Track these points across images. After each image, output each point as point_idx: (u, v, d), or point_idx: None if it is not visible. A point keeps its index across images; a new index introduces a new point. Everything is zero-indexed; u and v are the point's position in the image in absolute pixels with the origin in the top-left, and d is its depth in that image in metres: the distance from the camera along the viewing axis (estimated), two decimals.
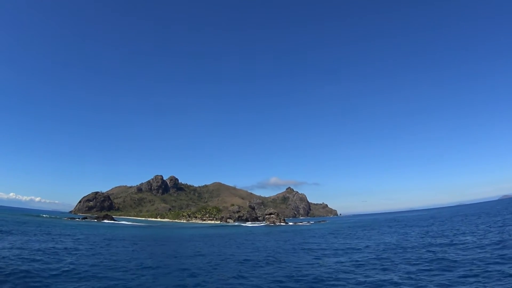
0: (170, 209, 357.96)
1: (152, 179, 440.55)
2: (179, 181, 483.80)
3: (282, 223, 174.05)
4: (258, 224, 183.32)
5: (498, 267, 22.54)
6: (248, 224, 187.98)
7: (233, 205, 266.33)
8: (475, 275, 21.02)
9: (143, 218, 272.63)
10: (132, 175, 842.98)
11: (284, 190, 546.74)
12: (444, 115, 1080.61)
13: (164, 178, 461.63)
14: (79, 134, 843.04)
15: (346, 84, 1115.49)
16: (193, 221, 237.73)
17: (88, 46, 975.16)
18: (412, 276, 22.12)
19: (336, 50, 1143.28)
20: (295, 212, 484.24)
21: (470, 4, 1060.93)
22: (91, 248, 39.47)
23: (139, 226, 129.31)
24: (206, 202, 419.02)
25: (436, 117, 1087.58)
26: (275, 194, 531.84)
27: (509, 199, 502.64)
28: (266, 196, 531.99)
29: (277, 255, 36.16)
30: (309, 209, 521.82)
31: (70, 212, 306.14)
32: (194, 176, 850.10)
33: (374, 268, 25.66)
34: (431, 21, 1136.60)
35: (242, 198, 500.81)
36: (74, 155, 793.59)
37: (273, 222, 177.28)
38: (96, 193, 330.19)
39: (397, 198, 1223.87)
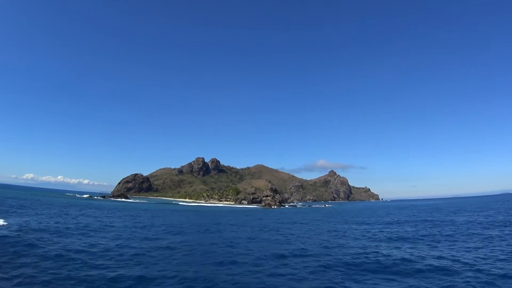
0: (207, 190, 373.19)
1: (194, 161, 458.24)
2: (221, 163, 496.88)
3: (275, 206, 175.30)
4: (256, 206, 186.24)
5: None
6: (253, 206, 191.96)
7: (252, 187, 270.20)
8: None
9: (171, 199, 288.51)
10: (180, 158, 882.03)
11: (327, 173, 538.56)
12: (503, 100, 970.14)
13: (207, 161, 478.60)
14: (130, 118, 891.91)
15: (397, 61, 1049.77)
16: (211, 201, 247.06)
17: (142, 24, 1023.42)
18: None
19: (389, 20, 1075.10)
20: (335, 196, 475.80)
21: None
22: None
23: (136, 203, 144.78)
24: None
25: (493, 102, 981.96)
26: (317, 177, 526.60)
27: None
28: (310, 179, 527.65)
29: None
30: (350, 193, 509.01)
31: (111, 193, 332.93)
32: (241, 159, 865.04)
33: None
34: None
35: (284, 181, 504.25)
36: (124, 139, 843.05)
37: (268, 205, 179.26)
38: (135, 174, 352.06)
39: (447, 185, 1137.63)
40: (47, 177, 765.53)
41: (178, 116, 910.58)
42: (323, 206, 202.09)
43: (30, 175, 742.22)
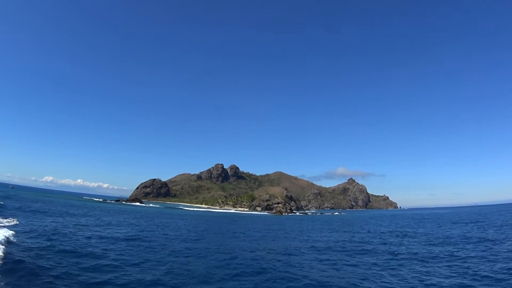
0: (226, 196, 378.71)
1: (213, 167, 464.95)
2: (240, 169, 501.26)
3: (285, 213, 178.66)
4: (267, 213, 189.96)
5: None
6: (264, 212, 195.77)
7: (267, 194, 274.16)
8: None
9: (187, 204, 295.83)
10: (200, 164, 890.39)
11: (346, 181, 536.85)
12: None
13: (226, 167, 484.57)
14: (152, 124, 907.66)
15: (416, 67, 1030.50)
16: (225, 207, 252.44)
17: (156, 40, 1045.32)
18: None
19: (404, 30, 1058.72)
20: (353, 204, 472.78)
21: None
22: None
23: (144, 207, 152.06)
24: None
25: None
26: (336, 185, 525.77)
27: None
28: (329, 186, 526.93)
29: None
30: (368, 201, 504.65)
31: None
32: (260, 166, 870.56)
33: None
34: None
35: (303, 188, 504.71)
36: (145, 144, 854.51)
37: (279, 212, 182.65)
38: (154, 179, 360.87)
39: (465, 193, 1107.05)
40: (67, 180, 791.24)
41: (198, 121, 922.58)
42: (333, 213, 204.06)
43: (50, 178, 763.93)
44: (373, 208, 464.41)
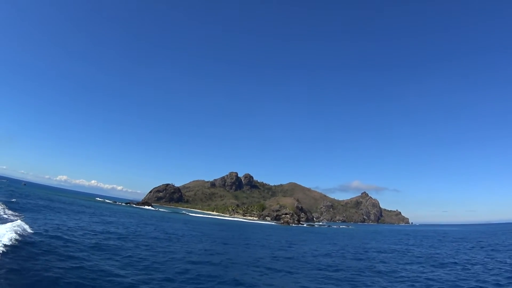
0: (238, 205, 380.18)
1: (227, 175, 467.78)
2: (254, 179, 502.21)
3: (292, 224, 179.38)
4: (275, 223, 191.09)
5: None
6: (272, 222, 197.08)
7: (278, 204, 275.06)
8: None
9: (198, 210, 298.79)
10: (215, 171, 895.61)
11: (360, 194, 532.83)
12: None
13: (240, 175, 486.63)
14: (168, 130, 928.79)
15: (432, 84, 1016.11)
16: (235, 215, 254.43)
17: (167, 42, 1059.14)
18: None
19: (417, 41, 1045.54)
20: (365, 217, 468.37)
21: None
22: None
23: (154, 211, 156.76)
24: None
25: None
26: (349, 198, 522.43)
27: None
28: (343, 199, 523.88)
29: None
30: (380, 215, 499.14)
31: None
32: (275, 176, 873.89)
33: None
34: None
35: (316, 200, 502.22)
36: (161, 149, 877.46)
37: (286, 222, 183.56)
38: (167, 185, 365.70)
39: (479, 210, 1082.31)
40: (81, 180, 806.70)
41: (216, 128, 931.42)
42: (339, 227, 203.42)
43: (64, 177, 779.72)
44: (384, 223, 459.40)
